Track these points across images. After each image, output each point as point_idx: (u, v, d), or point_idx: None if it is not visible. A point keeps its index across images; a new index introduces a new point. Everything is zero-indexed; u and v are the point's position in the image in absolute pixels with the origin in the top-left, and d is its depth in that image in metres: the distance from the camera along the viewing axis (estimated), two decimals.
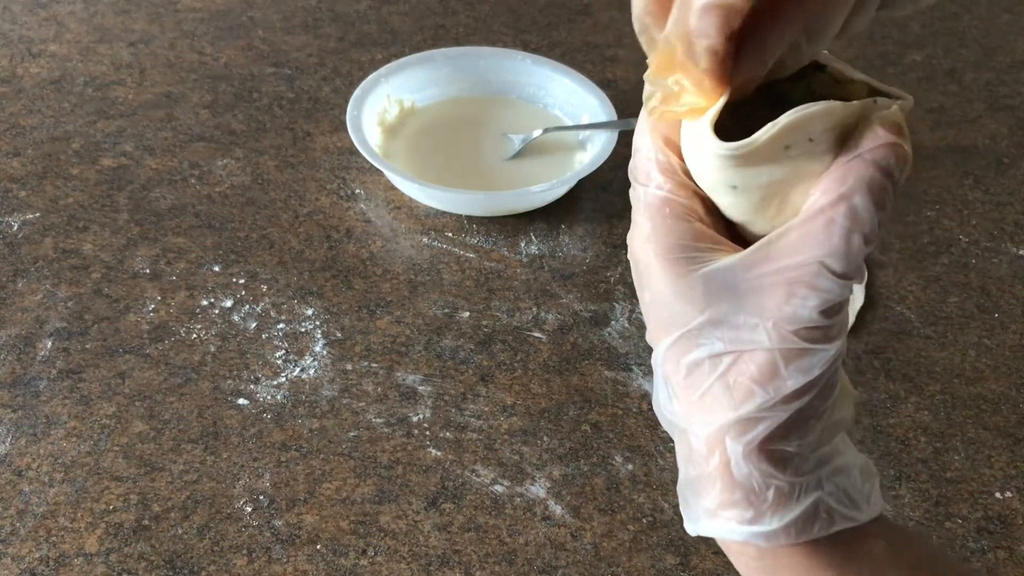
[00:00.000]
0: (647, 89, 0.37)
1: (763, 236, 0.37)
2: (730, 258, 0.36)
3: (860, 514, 0.38)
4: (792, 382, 0.36)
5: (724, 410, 0.37)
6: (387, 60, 0.98)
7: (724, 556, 0.66)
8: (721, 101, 0.35)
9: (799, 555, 0.38)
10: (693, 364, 0.38)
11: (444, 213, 0.88)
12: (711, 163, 0.37)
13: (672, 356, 0.38)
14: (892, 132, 0.34)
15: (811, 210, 0.35)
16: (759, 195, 0.37)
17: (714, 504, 0.38)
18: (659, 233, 0.38)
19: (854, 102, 0.35)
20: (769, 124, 0.34)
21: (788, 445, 0.37)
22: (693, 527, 0.39)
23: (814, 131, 0.34)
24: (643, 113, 0.39)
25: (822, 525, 0.38)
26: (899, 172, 0.34)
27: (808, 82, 0.38)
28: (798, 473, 0.37)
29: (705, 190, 0.39)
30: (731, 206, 0.38)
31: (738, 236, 0.39)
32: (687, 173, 0.38)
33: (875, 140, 0.34)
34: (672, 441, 0.69)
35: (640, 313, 0.81)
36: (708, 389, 0.37)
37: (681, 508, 0.41)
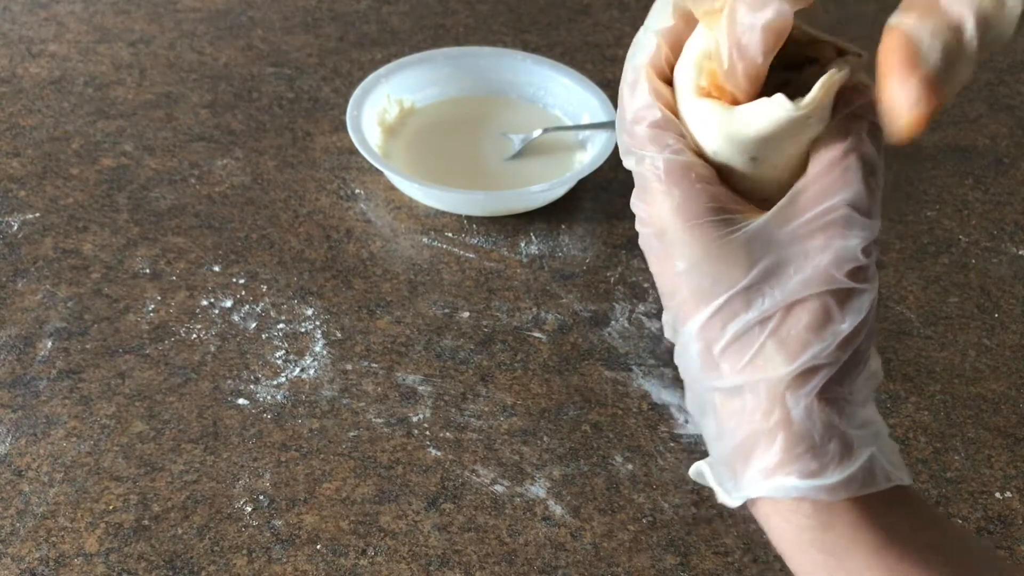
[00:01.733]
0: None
1: (769, 194, 0.39)
2: (763, 216, 0.38)
3: (903, 475, 0.39)
4: (847, 324, 0.37)
5: (780, 366, 0.37)
6: (387, 60, 0.98)
7: (724, 556, 0.66)
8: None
9: (855, 511, 0.38)
10: (742, 327, 0.38)
11: (444, 213, 0.88)
12: (734, 136, 0.37)
13: (716, 324, 0.38)
14: (870, 88, 0.37)
15: (825, 162, 0.37)
16: (777, 161, 0.38)
17: (773, 462, 0.38)
18: (691, 199, 0.38)
19: (850, 61, 0.38)
20: (816, 91, 0.36)
21: (844, 393, 0.38)
22: (738, 495, 0.39)
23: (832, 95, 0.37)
24: (642, 86, 0.39)
25: (879, 480, 0.38)
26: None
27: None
28: (853, 425, 0.38)
29: (717, 161, 0.39)
30: (744, 175, 0.39)
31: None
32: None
33: (863, 96, 0.37)
34: (672, 441, 0.69)
35: (640, 314, 0.81)
36: (760, 349, 0.37)
37: (716, 482, 0.40)
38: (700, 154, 0.39)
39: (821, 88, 0.36)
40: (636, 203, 0.39)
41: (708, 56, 0.38)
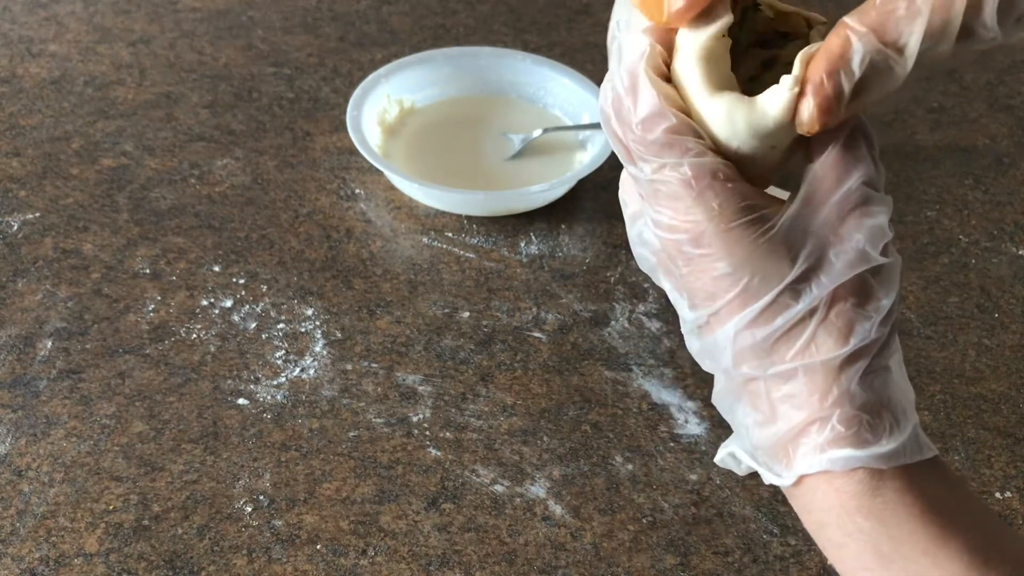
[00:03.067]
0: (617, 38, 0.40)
1: (771, 177, 0.40)
2: (792, 207, 0.39)
3: (934, 448, 0.40)
4: (887, 299, 0.39)
5: (832, 348, 0.39)
6: (387, 60, 0.98)
7: (724, 556, 0.66)
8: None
9: (902, 478, 0.39)
10: (792, 318, 0.39)
11: (444, 213, 0.88)
12: (758, 127, 0.38)
13: (766, 317, 0.39)
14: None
15: (834, 147, 0.39)
16: (788, 142, 0.39)
17: (830, 437, 0.39)
18: (726, 203, 0.38)
19: (821, 31, 0.39)
20: (797, 68, 0.37)
21: (885, 367, 0.39)
22: (790, 474, 0.40)
23: None
24: (641, 76, 0.39)
25: (923, 449, 0.40)
26: None
27: (749, 22, 0.40)
28: (897, 396, 0.40)
29: (738, 154, 0.39)
30: (763, 165, 0.40)
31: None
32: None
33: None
34: (672, 441, 0.69)
35: (640, 314, 0.81)
36: (811, 336, 0.39)
37: (761, 468, 0.41)
38: (718, 151, 0.39)
39: (801, 64, 0.37)
40: (660, 209, 0.39)
41: (711, 50, 0.38)
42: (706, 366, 0.43)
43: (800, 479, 0.40)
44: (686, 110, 0.39)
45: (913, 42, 0.35)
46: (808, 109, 0.37)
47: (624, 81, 0.39)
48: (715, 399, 0.43)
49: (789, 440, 0.40)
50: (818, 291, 0.38)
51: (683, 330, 0.43)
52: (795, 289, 0.39)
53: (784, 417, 0.40)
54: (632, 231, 0.43)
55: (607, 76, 0.40)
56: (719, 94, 0.38)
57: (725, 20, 0.38)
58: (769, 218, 0.39)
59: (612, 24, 0.41)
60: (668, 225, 0.39)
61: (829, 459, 0.39)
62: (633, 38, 0.40)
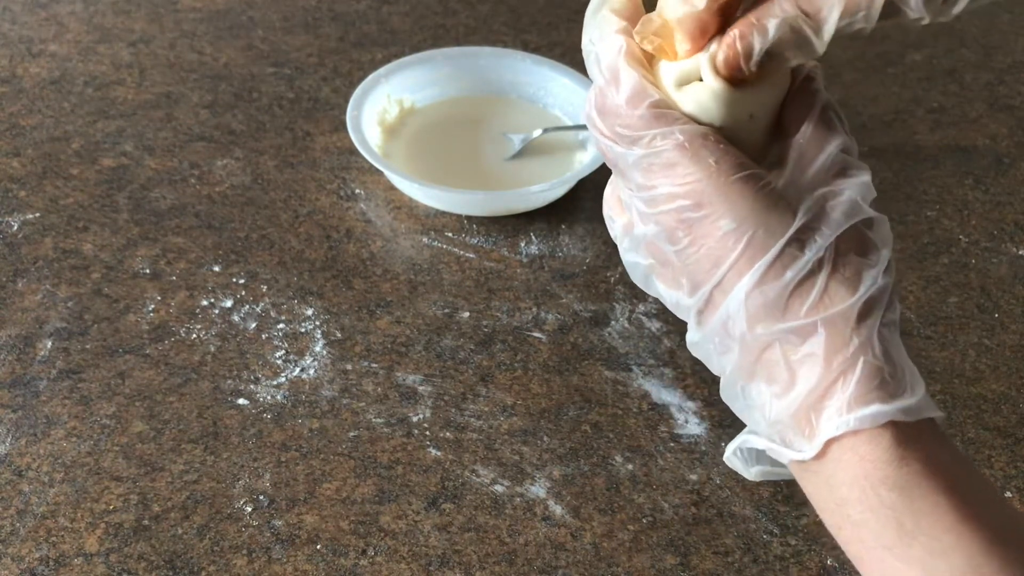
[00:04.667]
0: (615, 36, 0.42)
1: (754, 149, 0.42)
2: (786, 166, 0.41)
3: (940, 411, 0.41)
4: (885, 250, 0.40)
5: (847, 297, 0.39)
6: (387, 60, 0.98)
7: (724, 556, 0.66)
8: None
9: (925, 448, 0.39)
10: (801, 269, 0.39)
11: (444, 213, 0.88)
12: (737, 100, 0.40)
13: (775, 272, 0.39)
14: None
15: (808, 120, 0.41)
16: (767, 109, 0.42)
17: (856, 393, 0.39)
18: (723, 159, 0.40)
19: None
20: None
21: (892, 323, 0.40)
22: (813, 444, 0.40)
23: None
24: (621, 64, 0.41)
25: (935, 406, 0.40)
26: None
27: None
28: (905, 353, 0.40)
29: (721, 133, 0.41)
30: (747, 140, 0.42)
31: None
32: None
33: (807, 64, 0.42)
34: (672, 441, 0.69)
35: (640, 314, 0.81)
36: (824, 287, 0.39)
37: (781, 446, 0.41)
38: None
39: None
40: (656, 183, 0.40)
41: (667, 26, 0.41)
42: (712, 356, 0.42)
43: (824, 450, 0.40)
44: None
45: (833, 17, 0.37)
46: (719, 58, 0.39)
47: (606, 75, 0.41)
48: (723, 389, 0.43)
49: (812, 404, 0.39)
50: (822, 240, 0.39)
51: (688, 325, 0.43)
52: (800, 240, 0.39)
53: (804, 379, 0.40)
54: (622, 244, 0.44)
55: (590, 89, 0.43)
56: (710, 77, 0.40)
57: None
58: (763, 176, 0.40)
59: (585, 43, 0.44)
60: (666, 195, 0.40)
61: (856, 418, 0.39)
62: (608, 41, 0.42)
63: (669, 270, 0.42)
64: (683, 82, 0.41)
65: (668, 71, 0.41)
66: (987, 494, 0.40)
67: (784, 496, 0.69)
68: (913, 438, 0.39)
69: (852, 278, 0.39)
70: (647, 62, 0.42)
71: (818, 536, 0.67)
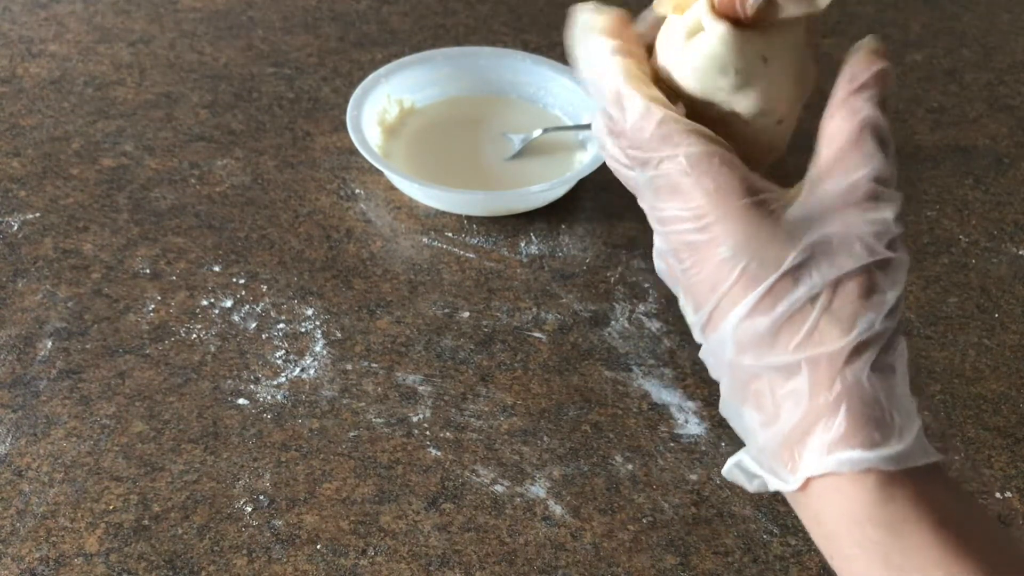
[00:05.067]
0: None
1: (776, 142, 0.41)
2: (797, 191, 0.39)
3: (936, 452, 0.40)
4: (891, 294, 0.39)
5: (837, 339, 0.38)
6: (387, 60, 0.98)
7: (724, 556, 0.66)
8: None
9: (912, 487, 0.38)
10: (793, 305, 0.38)
11: (444, 213, 0.88)
12: (739, 42, 0.39)
13: (767, 304, 0.38)
14: (878, 58, 0.40)
15: (843, 140, 0.39)
16: (783, 55, 0.40)
17: (837, 436, 0.38)
18: (726, 183, 0.39)
19: None
20: None
21: (891, 366, 0.39)
22: (796, 478, 0.39)
23: None
24: (624, 88, 0.40)
25: (929, 452, 0.39)
26: (888, 88, 0.40)
27: None
28: (906, 391, 0.39)
29: (722, 101, 0.41)
30: (761, 136, 0.40)
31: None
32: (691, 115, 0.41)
33: (868, 69, 0.40)
34: (672, 441, 0.69)
35: (640, 314, 0.81)
36: (814, 325, 0.38)
37: (768, 474, 0.40)
38: (711, 112, 0.40)
39: None
40: (662, 205, 0.40)
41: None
42: (712, 370, 0.42)
43: (807, 484, 0.39)
44: (672, 95, 0.41)
45: None
46: None
47: (609, 98, 0.41)
48: (722, 407, 0.42)
49: (795, 440, 0.39)
50: (819, 278, 0.38)
51: (693, 333, 0.43)
52: (795, 275, 0.38)
53: (788, 415, 0.39)
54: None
55: (596, 115, 0.42)
56: (716, 20, 0.40)
57: None
58: (770, 203, 0.39)
59: (580, 67, 0.43)
60: (672, 216, 0.40)
61: (836, 460, 0.38)
62: (605, 62, 0.41)
63: (679, 286, 0.42)
64: (692, 34, 0.40)
65: (676, 27, 0.41)
66: (982, 528, 0.39)
67: (784, 496, 0.69)
68: (899, 478, 0.38)
69: (847, 319, 0.38)
70: (647, 57, 0.41)
71: None
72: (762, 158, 0.42)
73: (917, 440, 0.38)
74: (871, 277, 0.38)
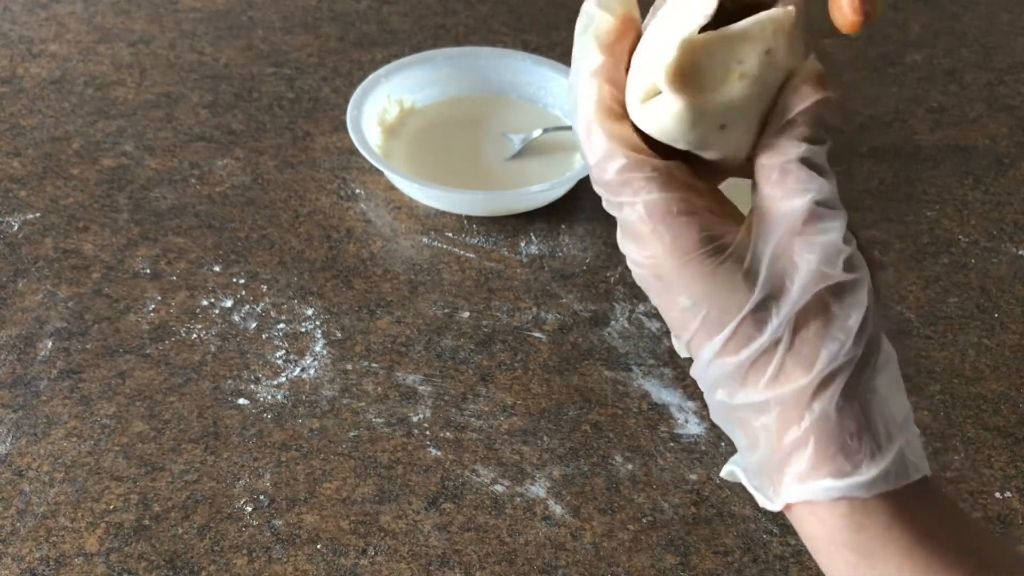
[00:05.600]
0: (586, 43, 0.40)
1: (737, 157, 0.39)
2: (744, 237, 0.39)
3: (924, 465, 0.39)
4: (853, 319, 0.38)
5: (801, 376, 0.38)
6: (387, 60, 0.98)
7: (724, 556, 0.66)
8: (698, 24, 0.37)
9: (887, 511, 0.38)
10: (757, 350, 0.38)
11: (444, 213, 0.88)
12: (694, 116, 0.37)
13: (731, 349, 0.39)
14: (814, 87, 0.38)
15: (776, 171, 0.38)
16: (745, 117, 0.38)
17: (807, 467, 0.38)
18: (679, 236, 0.38)
19: (786, 10, 0.38)
20: (747, 22, 0.37)
21: (867, 386, 0.38)
22: (776, 501, 0.40)
23: (769, 39, 0.38)
24: (593, 123, 0.39)
25: (910, 472, 0.38)
26: (829, 114, 0.39)
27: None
28: (883, 414, 0.38)
29: (693, 148, 0.39)
30: (727, 149, 0.39)
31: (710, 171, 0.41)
32: (652, 153, 0.39)
33: (800, 103, 0.38)
34: (672, 441, 0.69)
35: (640, 314, 0.81)
36: (779, 366, 0.38)
37: (755, 491, 0.41)
38: (669, 154, 0.39)
39: (757, 22, 0.37)
40: (627, 246, 0.40)
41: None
42: (701, 387, 0.43)
43: (789, 507, 0.40)
44: (635, 141, 0.39)
45: None
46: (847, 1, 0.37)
47: (582, 127, 0.40)
48: (712, 416, 0.43)
49: (775, 468, 0.39)
50: (778, 319, 0.38)
51: (680, 354, 0.43)
52: (756, 318, 0.38)
53: (764, 447, 0.39)
54: None
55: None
56: (667, 90, 0.38)
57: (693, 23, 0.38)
58: (727, 246, 0.39)
59: (572, 72, 0.42)
60: (634, 260, 0.40)
61: (811, 490, 0.38)
62: (585, 85, 0.40)
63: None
64: (648, 96, 0.38)
65: (634, 85, 0.39)
66: (962, 543, 0.39)
67: None
68: (872, 503, 0.38)
69: (809, 355, 0.38)
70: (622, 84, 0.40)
71: None
72: (732, 167, 0.41)
73: (894, 463, 0.38)
74: (827, 305, 0.38)
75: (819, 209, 0.38)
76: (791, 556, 0.66)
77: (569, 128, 0.94)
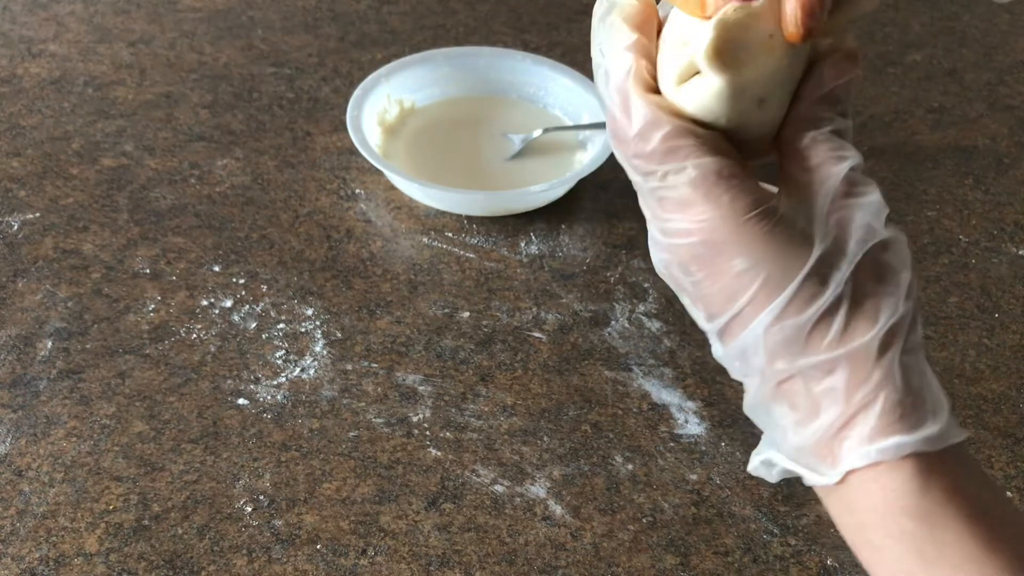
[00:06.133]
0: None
1: (772, 129, 0.40)
2: (791, 199, 0.39)
3: (963, 431, 0.40)
4: (904, 274, 0.39)
5: (867, 331, 0.38)
6: (387, 60, 0.98)
7: (724, 556, 0.66)
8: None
9: (948, 477, 0.38)
10: (821, 307, 0.38)
11: (444, 213, 0.88)
12: (745, 87, 0.38)
13: (793, 310, 0.38)
14: (851, 63, 0.40)
15: (810, 141, 0.39)
16: (780, 91, 0.40)
17: (875, 426, 0.38)
18: (736, 198, 0.38)
19: None
20: None
21: (918, 344, 0.39)
22: (832, 473, 0.39)
23: None
24: (631, 92, 0.39)
25: (959, 431, 0.39)
26: (853, 90, 0.41)
27: None
28: (932, 374, 0.39)
29: (736, 130, 0.40)
30: (762, 125, 0.40)
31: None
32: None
33: (836, 78, 0.40)
34: (672, 441, 0.69)
35: (640, 314, 0.81)
36: (845, 321, 0.38)
37: (803, 470, 0.41)
38: (719, 140, 0.40)
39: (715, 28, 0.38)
40: (670, 218, 0.39)
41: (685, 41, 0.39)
42: (734, 372, 0.42)
43: (845, 477, 0.39)
44: (679, 115, 0.40)
45: None
46: (792, 11, 0.37)
47: (616, 100, 0.40)
48: (747, 407, 0.42)
49: (833, 435, 0.39)
50: (840, 275, 0.38)
51: (712, 342, 0.43)
52: (819, 275, 0.38)
53: (827, 411, 0.39)
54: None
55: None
56: (709, 68, 0.38)
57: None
58: (776, 210, 0.39)
59: (594, 52, 0.42)
60: (679, 230, 0.39)
61: (878, 449, 0.38)
62: (617, 58, 0.40)
63: (685, 294, 0.42)
64: (684, 77, 0.39)
65: (668, 67, 0.40)
66: (1012, 519, 0.39)
67: (784, 496, 0.69)
68: (936, 465, 0.38)
69: (871, 310, 0.38)
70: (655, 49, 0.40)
71: (818, 536, 0.67)
72: (759, 150, 0.42)
73: (951, 418, 0.39)
74: (881, 261, 0.39)
75: (856, 175, 0.39)
76: (791, 556, 0.66)
77: (569, 128, 0.94)
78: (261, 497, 0.67)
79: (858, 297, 0.38)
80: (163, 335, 0.77)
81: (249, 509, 0.67)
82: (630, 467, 0.71)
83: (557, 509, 0.68)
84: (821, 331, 0.38)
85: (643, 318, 0.81)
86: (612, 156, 0.87)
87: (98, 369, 0.74)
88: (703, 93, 0.39)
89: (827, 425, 0.39)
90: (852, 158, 0.39)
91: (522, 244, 0.86)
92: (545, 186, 0.86)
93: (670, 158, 0.39)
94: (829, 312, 0.38)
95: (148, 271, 0.81)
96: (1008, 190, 0.95)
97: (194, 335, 0.77)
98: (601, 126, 0.91)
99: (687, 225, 0.39)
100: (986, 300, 0.84)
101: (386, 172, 0.87)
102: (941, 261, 0.87)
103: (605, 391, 0.75)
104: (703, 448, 0.72)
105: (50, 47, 1.03)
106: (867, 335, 0.38)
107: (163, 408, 0.72)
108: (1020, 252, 0.89)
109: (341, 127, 0.94)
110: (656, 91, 0.40)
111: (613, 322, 0.80)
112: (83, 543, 0.64)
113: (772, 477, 0.43)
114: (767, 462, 0.43)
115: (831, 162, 0.39)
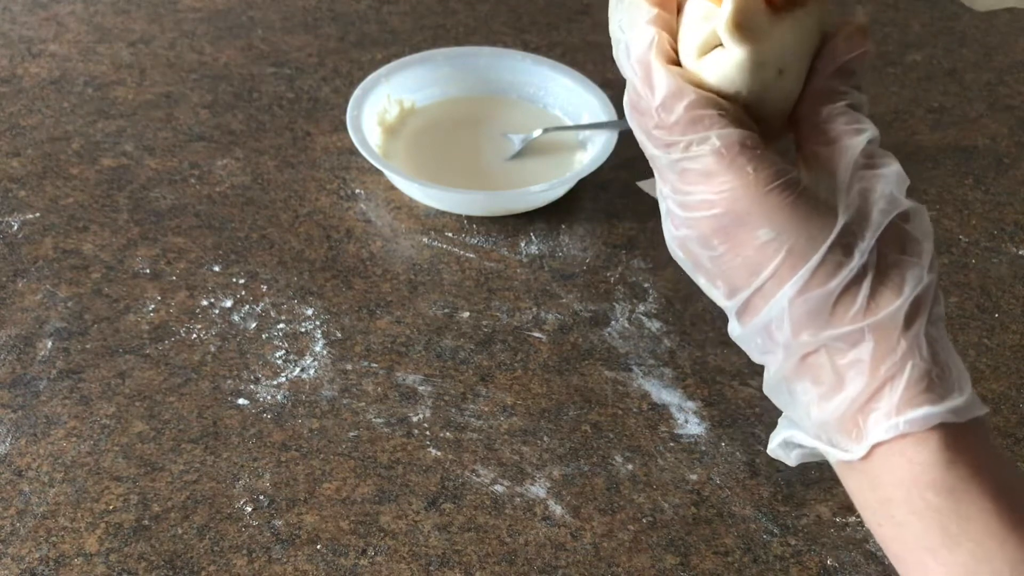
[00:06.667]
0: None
1: (790, 102, 0.41)
2: (812, 170, 0.40)
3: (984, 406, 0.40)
4: (926, 244, 0.39)
5: (893, 300, 0.38)
6: (387, 60, 0.97)
7: (724, 556, 0.66)
8: None
9: (973, 451, 0.38)
10: (847, 276, 0.38)
11: (444, 213, 0.88)
12: (757, 63, 0.39)
13: (819, 280, 0.38)
14: (863, 37, 0.41)
15: (829, 113, 0.40)
16: (798, 61, 0.40)
17: (905, 396, 0.38)
18: (760, 167, 0.38)
19: None
20: None
21: (941, 315, 0.39)
22: (857, 448, 0.39)
23: None
24: (654, 63, 0.39)
25: (982, 406, 0.39)
26: (866, 62, 0.41)
27: None
28: (954, 345, 0.39)
29: (755, 102, 0.40)
30: (780, 97, 0.40)
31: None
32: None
33: (850, 51, 0.40)
34: (672, 441, 0.69)
35: (640, 314, 0.81)
36: (871, 291, 0.38)
37: (826, 446, 0.40)
38: (731, 101, 0.40)
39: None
40: (691, 190, 0.39)
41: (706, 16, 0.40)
42: (753, 352, 0.42)
43: (871, 452, 0.39)
44: (701, 86, 0.40)
45: None
46: None
47: (637, 72, 0.40)
48: (767, 387, 0.42)
49: (859, 408, 0.39)
50: (865, 244, 0.38)
51: (729, 318, 0.42)
52: (844, 244, 0.38)
53: (852, 384, 0.39)
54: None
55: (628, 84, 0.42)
56: (731, 40, 0.39)
57: None
58: (797, 181, 0.39)
59: (613, 28, 0.42)
60: (702, 201, 0.39)
61: (906, 420, 0.38)
62: (639, 31, 0.40)
63: (703, 272, 0.41)
64: (704, 50, 0.39)
65: (688, 41, 0.40)
66: None
67: (784, 496, 0.69)
68: (961, 440, 0.38)
69: (897, 279, 0.38)
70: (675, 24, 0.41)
71: (818, 536, 0.67)
72: (776, 126, 0.42)
73: (972, 392, 0.39)
74: (904, 231, 0.39)
75: (875, 147, 0.39)
76: (791, 556, 0.66)
77: (569, 128, 0.94)
78: (261, 497, 0.67)
79: (883, 267, 0.38)
80: (163, 335, 0.77)
81: (249, 509, 0.67)
82: (630, 467, 0.71)
83: (557, 509, 0.68)
84: (847, 302, 0.38)
85: (643, 318, 0.81)
86: (612, 156, 0.87)
87: (98, 369, 0.74)
88: (724, 64, 0.39)
89: (852, 398, 0.39)
90: (870, 130, 0.39)
91: (522, 244, 0.86)
92: (545, 186, 0.86)
93: (693, 128, 0.39)
94: (855, 282, 0.38)
95: (148, 271, 0.81)
96: (1008, 190, 0.95)
97: (194, 335, 0.77)
98: (601, 126, 0.91)
99: (710, 196, 0.39)
100: (986, 300, 0.84)
101: (386, 172, 0.87)
102: (941, 261, 0.87)
103: (605, 391, 0.75)
104: (703, 448, 0.72)
105: (50, 47, 1.03)
106: (893, 305, 0.38)
107: (163, 408, 0.72)
108: (1020, 252, 0.89)
109: (341, 127, 0.94)
110: (677, 64, 0.40)
111: (613, 322, 0.80)
112: (83, 543, 0.64)
113: (791, 460, 0.43)
114: (787, 442, 0.42)
115: (849, 134, 0.39)
